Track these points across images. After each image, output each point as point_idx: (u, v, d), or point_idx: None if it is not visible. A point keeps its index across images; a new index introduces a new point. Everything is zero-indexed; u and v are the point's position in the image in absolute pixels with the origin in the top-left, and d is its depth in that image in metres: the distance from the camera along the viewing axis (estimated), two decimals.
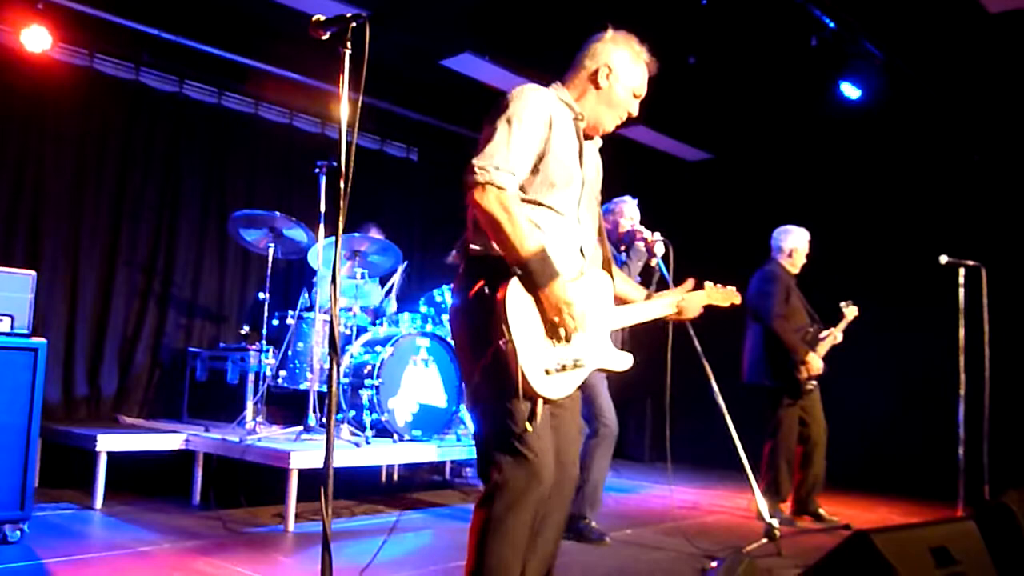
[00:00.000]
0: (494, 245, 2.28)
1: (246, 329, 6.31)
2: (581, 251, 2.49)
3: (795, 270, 5.58)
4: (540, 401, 2.25)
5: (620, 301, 2.71)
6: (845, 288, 5.86)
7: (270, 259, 5.61)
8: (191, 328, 6.68)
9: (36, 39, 5.52)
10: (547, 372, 2.25)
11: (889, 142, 7.51)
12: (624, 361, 2.60)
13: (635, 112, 2.61)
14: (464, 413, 5.85)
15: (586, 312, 2.33)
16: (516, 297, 2.22)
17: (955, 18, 5.62)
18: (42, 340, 3.97)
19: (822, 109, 6.94)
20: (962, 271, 5.70)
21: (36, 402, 3.90)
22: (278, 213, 5.51)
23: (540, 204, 2.37)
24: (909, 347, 6.95)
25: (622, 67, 2.53)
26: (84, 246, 6.09)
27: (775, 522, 4.30)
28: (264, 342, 5.50)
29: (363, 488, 5.77)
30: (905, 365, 7.19)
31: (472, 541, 2.31)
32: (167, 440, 5.18)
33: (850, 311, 5.60)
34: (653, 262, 4.59)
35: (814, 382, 5.40)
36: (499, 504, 2.24)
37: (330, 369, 1.99)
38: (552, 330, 2.26)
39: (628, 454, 8.62)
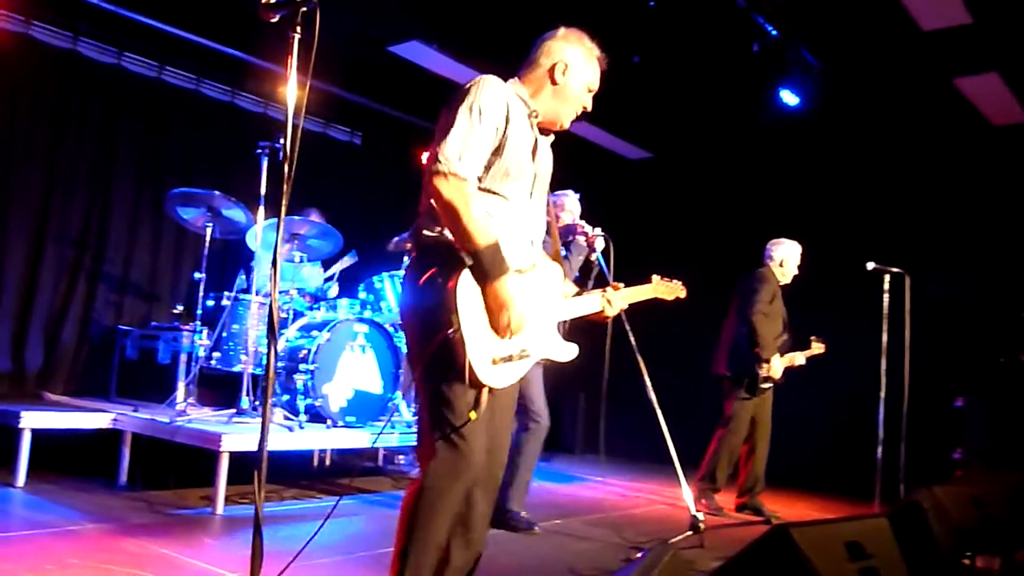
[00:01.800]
0: (447, 233, 2.32)
1: (180, 308, 6.21)
2: (531, 242, 2.55)
3: (784, 280, 5.79)
4: (485, 390, 2.30)
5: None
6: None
7: (207, 239, 5.52)
8: (122, 305, 6.55)
9: None
10: (493, 361, 2.31)
11: (822, 149, 7.73)
12: (569, 352, 2.66)
13: (589, 107, 2.66)
14: (400, 400, 5.86)
15: (529, 307, 2.39)
16: (467, 287, 2.27)
17: (889, 33, 5.81)
18: None
19: (761, 114, 7.11)
20: (887, 277, 5.92)
21: None
22: (217, 192, 5.43)
23: (494, 192, 2.42)
24: (834, 349, 7.17)
25: (576, 63, 2.59)
26: (12, 218, 5.93)
27: (700, 515, 4.41)
28: (199, 323, 5.42)
29: (294, 473, 5.74)
30: (829, 366, 7.40)
31: (401, 523, 2.36)
32: (94, 419, 5.08)
33: (817, 346, 5.90)
34: (593, 257, 4.64)
35: (769, 384, 5.59)
36: (429, 489, 2.30)
37: (268, 352, 1.99)
38: (494, 323, 2.32)
39: (561, 445, 8.72)
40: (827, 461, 7.34)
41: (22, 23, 5.93)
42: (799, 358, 5.80)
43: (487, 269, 2.27)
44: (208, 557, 3.61)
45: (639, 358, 4.54)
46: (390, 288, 5.96)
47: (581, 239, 4.69)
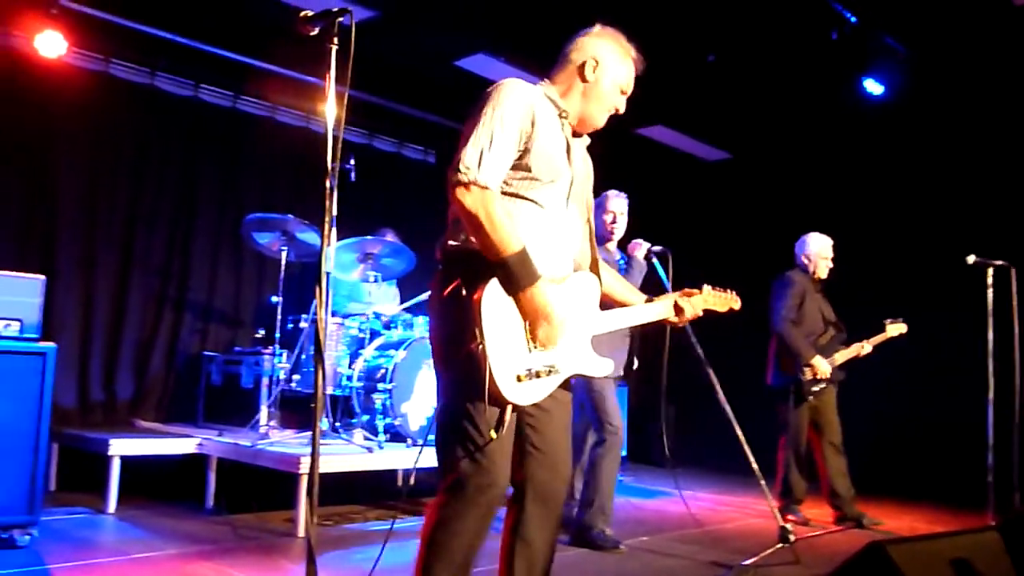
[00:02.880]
0: (473, 243, 2.24)
1: (261, 333, 6.29)
2: (567, 250, 2.43)
3: (820, 274, 5.58)
4: (509, 408, 2.20)
5: (613, 303, 2.65)
6: (868, 290, 5.75)
7: (283, 262, 5.58)
8: (206, 332, 6.68)
9: (51, 44, 5.53)
10: (519, 378, 2.20)
11: (914, 139, 7.35)
12: (604, 367, 2.50)
13: (622, 108, 2.55)
14: None
15: (566, 317, 2.28)
16: (493, 299, 2.17)
17: (979, 11, 5.47)
18: (51, 345, 3.95)
19: (844, 106, 6.81)
20: (990, 271, 5.55)
21: (45, 407, 3.88)
22: (291, 216, 5.48)
23: (523, 198, 2.31)
24: (937, 350, 6.79)
25: (609, 60, 2.48)
26: (100, 251, 6.11)
27: (789, 526, 4.20)
28: (278, 346, 5.48)
29: (378, 493, 5.72)
30: (933, 368, 7.02)
31: (421, 545, 2.29)
32: (180, 444, 5.17)
33: (894, 328, 5.54)
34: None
35: (822, 385, 5.38)
36: (450, 507, 2.22)
37: (315, 374, 1.93)
38: (529, 335, 2.22)
39: (648, 459, 8.50)
40: (934, 469, 6.93)
41: (102, 61, 6.12)
42: (865, 347, 5.51)
43: (517, 278, 2.17)
44: None
45: (709, 370, 4.38)
46: None
47: (639, 254, 4.65)
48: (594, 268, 2.56)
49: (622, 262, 4.80)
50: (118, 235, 6.24)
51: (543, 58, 6.67)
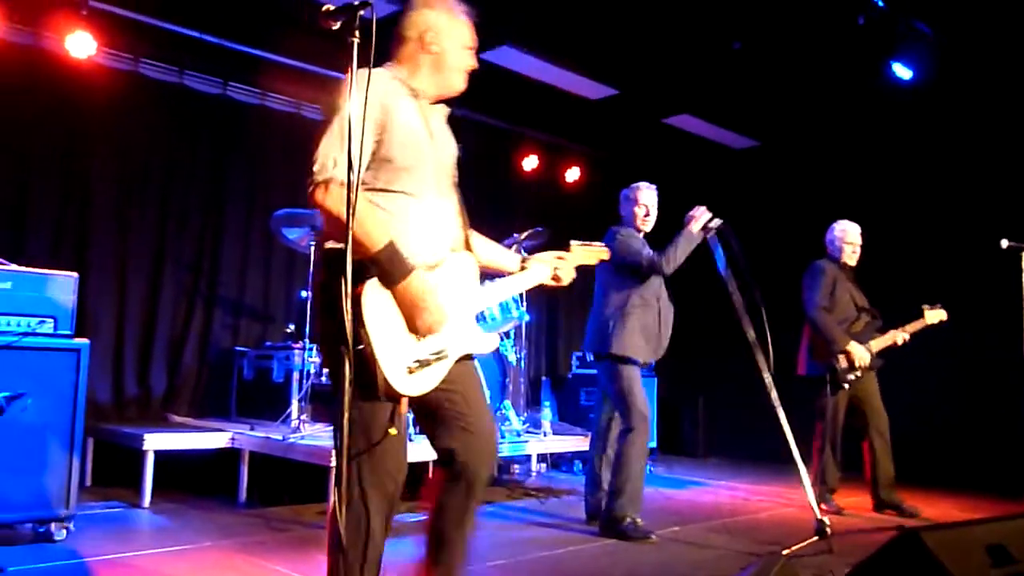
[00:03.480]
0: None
1: (291, 328, 6.35)
2: (443, 233, 2.43)
3: (850, 261, 5.55)
4: (404, 401, 2.23)
5: (496, 273, 2.72)
6: (899, 277, 5.67)
7: (312, 257, 5.62)
8: (238, 327, 6.74)
9: (81, 45, 5.60)
10: (409, 371, 2.20)
11: (943, 123, 7.23)
12: (490, 343, 2.54)
13: (475, 64, 2.55)
14: (509, 409, 5.80)
15: (445, 302, 2.28)
16: (372, 297, 2.17)
17: None
18: (84, 341, 4.02)
19: (872, 91, 6.71)
20: None
21: (80, 402, 3.95)
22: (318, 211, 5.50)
23: (391, 191, 2.30)
24: (972, 336, 6.69)
25: (444, 25, 2.47)
26: (131, 248, 6.18)
27: (826, 520, 4.15)
28: (308, 340, 5.52)
29: (407, 486, 5.71)
30: (968, 354, 6.92)
31: (329, 545, 2.34)
32: (213, 439, 5.23)
33: (933, 314, 5.49)
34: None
35: (858, 373, 5.33)
36: (352, 509, 2.24)
37: (344, 367, 1.94)
38: (412, 325, 2.22)
39: (682, 450, 8.47)
40: (971, 457, 6.84)
41: (131, 61, 6.19)
42: (900, 335, 5.46)
43: (389, 273, 2.17)
44: (319, 573, 3.62)
45: (759, 356, 4.27)
46: None
47: (695, 226, 4.50)
48: (468, 245, 2.57)
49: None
50: (150, 232, 6.31)
51: (568, 47, 6.68)
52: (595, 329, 4.69)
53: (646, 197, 4.79)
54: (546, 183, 8.73)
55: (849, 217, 5.64)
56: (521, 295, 6.04)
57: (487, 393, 2.60)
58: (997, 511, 5.47)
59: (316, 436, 5.00)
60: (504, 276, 2.76)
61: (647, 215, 4.76)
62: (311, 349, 5.52)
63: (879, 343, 5.42)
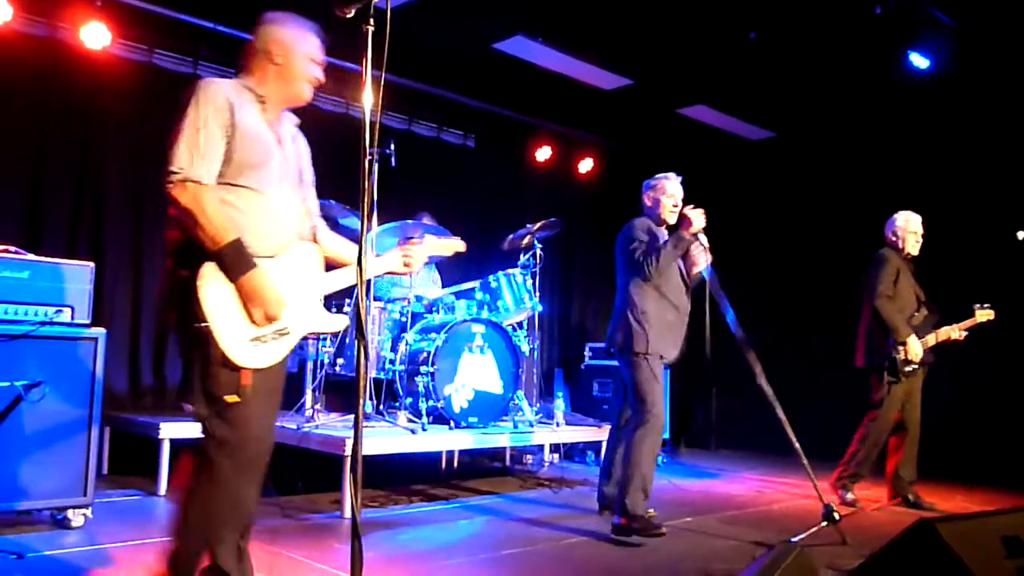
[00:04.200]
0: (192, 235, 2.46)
1: None
2: (287, 225, 2.65)
3: (912, 251, 5.51)
4: (249, 373, 2.45)
5: (341, 264, 2.88)
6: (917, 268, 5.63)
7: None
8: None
9: (96, 36, 5.64)
10: (252, 342, 2.46)
11: (962, 113, 7.16)
12: (336, 322, 2.79)
13: (321, 77, 2.78)
14: (521, 399, 5.81)
15: (283, 293, 2.53)
16: (211, 280, 2.41)
17: None
18: (101, 330, 4.05)
19: (889, 82, 6.66)
20: None
21: (96, 391, 3.98)
22: (333, 202, 5.52)
23: (238, 186, 2.52)
24: (987, 328, 6.65)
25: (290, 40, 2.70)
26: (146, 237, 6.21)
27: (832, 504, 4.15)
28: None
29: (422, 475, 5.78)
30: (981, 347, 6.87)
31: (179, 516, 2.53)
32: None
33: (983, 313, 5.45)
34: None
35: (915, 366, 5.29)
36: (208, 479, 2.47)
37: (356, 356, 1.95)
38: (249, 314, 2.46)
39: (695, 441, 8.47)
40: (987, 450, 6.80)
41: (145, 52, 6.21)
42: (955, 331, 5.41)
43: (233, 267, 2.42)
44: (335, 562, 3.65)
45: (747, 353, 4.30)
46: (506, 287, 5.91)
47: (691, 230, 4.36)
48: (314, 237, 2.82)
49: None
50: (164, 222, 6.32)
51: (579, 37, 6.65)
52: (615, 323, 4.60)
53: (674, 188, 4.62)
54: (559, 174, 8.72)
55: (867, 207, 5.61)
56: (534, 286, 6.05)
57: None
58: (1014, 505, 5.46)
59: (330, 425, 5.03)
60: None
61: (676, 206, 4.56)
62: (325, 339, 5.54)
63: (933, 338, 5.36)
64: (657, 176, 4.69)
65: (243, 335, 2.44)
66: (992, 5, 5.70)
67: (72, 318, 4.00)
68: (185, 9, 6.03)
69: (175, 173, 2.42)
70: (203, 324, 2.38)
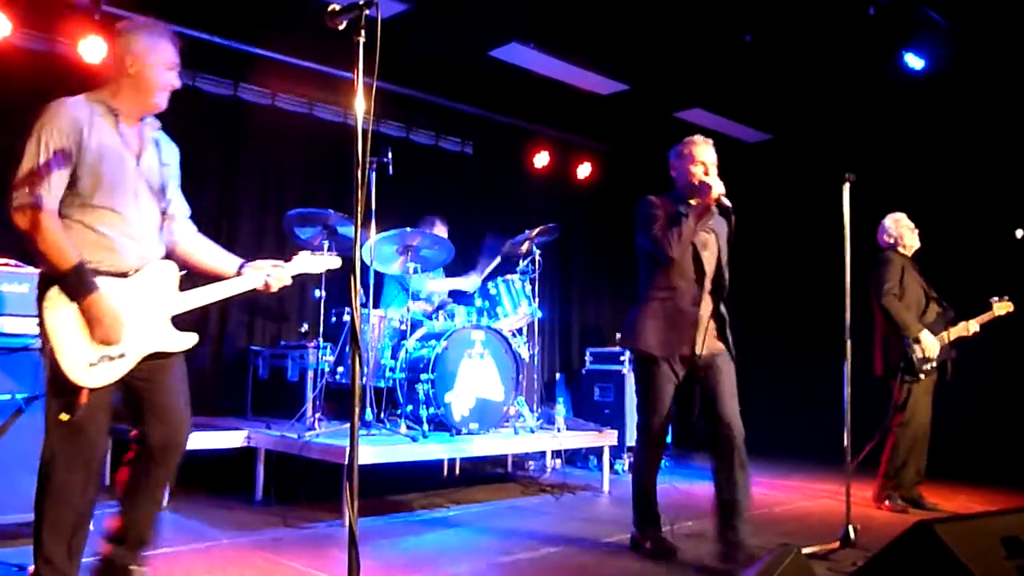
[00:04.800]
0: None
1: (305, 327, 6.39)
2: (143, 243, 2.74)
3: (913, 246, 5.53)
4: (85, 391, 2.56)
5: (213, 276, 3.03)
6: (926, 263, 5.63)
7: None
8: (253, 327, 6.78)
9: (94, 50, 5.66)
10: (90, 365, 2.58)
11: (959, 113, 7.18)
12: (185, 340, 2.89)
13: (176, 83, 2.83)
14: (522, 405, 5.81)
15: (125, 316, 2.63)
16: (55, 303, 2.54)
17: None
18: None
19: (885, 82, 6.67)
20: None
21: None
22: (331, 211, 5.53)
23: (95, 206, 2.59)
24: (989, 328, 6.65)
25: (143, 50, 2.70)
26: None
27: (856, 526, 4.09)
28: (322, 339, 5.55)
29: (423, 483, 5.78)
30: (986, 349, 6.87)
31: (37, 509, 2.69)
32: (230, 437, 5.26)
33: (1001, 307, 5.44)
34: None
35: (933, 363, 5.27)
36: (51, 479, 2.63)
37: (351, 365, 1.95)
38: (91, 335, 2.57)
39: (699, 442, 8.44)
40: (992, 450, 6.79)
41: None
42: (972, 325, 5.39)
43: (74, 290, 2.52)
44: (337, 569, 3.65)
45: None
46: (506, 294, 5.91)
47: (712, 194, 3.81)
48: (175, 252, 2.96)
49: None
50: None
51: (574, 43, 6.66)
52: (627, 318, 4.13)
53: (703, 153, 3.98)
54: (558, 179, 8.74)
55: (867, 208, 5.59)
56: (533, 292, 6.06)
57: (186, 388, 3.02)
58: (1018, 505, 5.45)
59: (331, 434, 5.03)
60: (222, 279, 3.06)
61: (707, 174, 3.93)
62: (325, 348, 5.55)
63: (953, 333, 5.34)
64: (684, 140, 4.07)
65: (83, 356, 2.57)
66: (986, 4, 5.72)
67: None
68: (181, 22, 6.04)
69: (16, 198, 2.48)
70: (47, 346, 2.54)
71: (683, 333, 3.90)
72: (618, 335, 4.51)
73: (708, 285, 3.95)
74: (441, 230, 6.31)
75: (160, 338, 2.81)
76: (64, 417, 2.55)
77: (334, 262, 3.35)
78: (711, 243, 4.00)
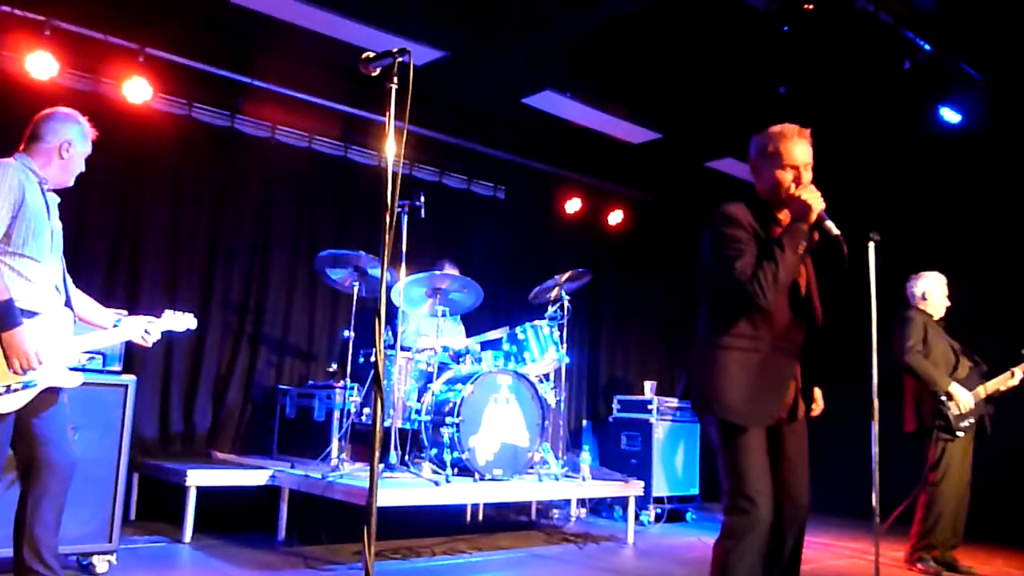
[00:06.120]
0: None
1: (334, 367, 6.42)
2: (52, 290, 3.15)
3: (937, 314, 5.41)
4: None
5: (94, 325, 3.43)
6: (956, 320, 5.53)
7: (355, 298, 5.70)
8: (282, 366, 6.82)
9: (138, 90, 5.80)
10: (3, 390, 2.93)
11: (995, 167, 7.11)
12: (74, 380, 3.21)
13: (82, 169, 3.32)
14: (547, 452, 5.77)
15: (39, 348, 2.98)
16: None
17: None
18: (132, 377, 4.11)
19: (921, 136, 6.64)
20: None
21: (126, 437, 4.03)
22: (362, 253, 5.59)
23: (24, 255, 3.03)
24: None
25: (77, 140, 3.25)
26: (181, 287, 6.31)
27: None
28: (349, 379, 5.57)
29: (446, 527, 5.72)
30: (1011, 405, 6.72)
31: None
32: (254, 476, 5.27)
33: None
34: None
35: (971, 420, 5.14)
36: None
37: (374, 405, 1.96)
38: (8, 363, 2.93)
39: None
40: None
41: (184, 106, 6.39)
42: (1016, 374, 5.22)
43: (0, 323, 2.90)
44: None
45: None
46: (534, 339, 5.91)
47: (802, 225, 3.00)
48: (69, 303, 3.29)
49: None
50: (198, 271, 6.45)
51: (607, 91, 6.72)
52: (691, 373, 3.15)
53: (797, 152, 3.03)
54: (589, 225, 8.75)
55: (900, 260, 5.53)
56: (562, 338, 6.04)
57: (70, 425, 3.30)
58: None
59: (355, 475, 5.02)
60: (102, 329, 3.45)
61: (798, 182, 3.02)
62: (352, 388, 5.57)
63: (991, 386, 5.21)
64: (770, 131, 3.12)
65: None
66: (1021, 59, 5.70)
67: (103, 365, 4.07)
68: (223, 65, 6.21)
69: None
70: None
71: (778, 395, 3.00)
72: (679, 387, 3.23)
73: (804, 329, 3.09)
74: (452, 272, 6.34)
75: (58, 375, 3.17)
76: None
77: (191, 322, 3.76)
78: (802, 273, 3.13)
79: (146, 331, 3.50)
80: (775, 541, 2.94)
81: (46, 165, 3.18)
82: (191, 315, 3.77)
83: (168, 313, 3.66)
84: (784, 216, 3.04)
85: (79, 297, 3.42)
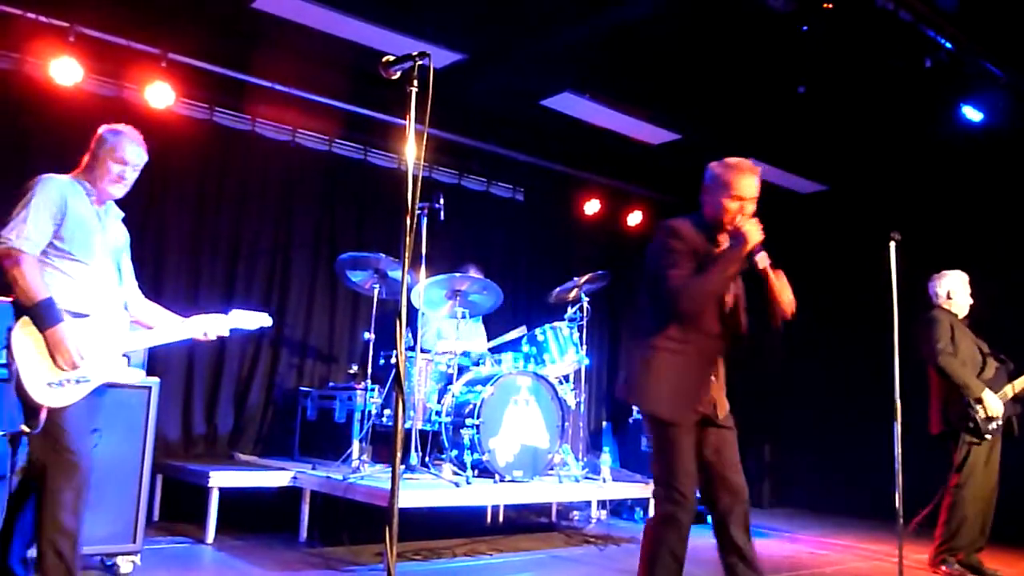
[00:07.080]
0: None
1: (354, 368, 6.45)
2: (103, 291, 3.26)
3: (961, 312, 5.34)
4: (44, 410, 2.98)
5: (146, 326, 3.52)
6: (982, 320, 5.47)
7: (375, 300, 5.72)
8: (303, 368, 6.87)
9: (160, 95, 5.85)
10: (50, 385, 3.00)
11: (1019, 166, 7.03)
12: (132, 376, 3.55)
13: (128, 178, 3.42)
14: (567, 453, 5.76)
15: (88, 345, 3.10)
16: (22, 332, 3.03)
17: None
18: (155, 379, 4.15)
19: (942, 134, 6.58)
20: None
21: (149, 439, 4.07)
22: (382, 255, 5.61)
23: (68, 255, 3.16)
24: None
25: (121, 154, 3.36)
26: (203, 289, 6.38)
27: None
28: (370, 381, 5.60)
29: (466, 528, 5.73)
30: None
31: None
32: (275, 477, 5.31)
33: None
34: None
35: (998, 423, 5.07)
36: (52, 492, 3.03)
37: (395, 406, 1.97)
38: (53, 360, 3.02)
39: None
40: None
41: (206, 110, 6.45)
42: None
43: (42, 321, 3.01)
44: None
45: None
46: (553, 340, 5.91)
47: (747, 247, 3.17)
48: (129, 305, 3.46)
49: None
50: (220, 274, 6.51)
51: (626, 93, 6.71)
52: (626, 368, 3.48)
53: (744, 186, 3.22)
54: (608, 227, 8.74)
55: (921, 260, 5.47)
56: (581, 339, 6.04)
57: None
58: None
59: (376, 477, 5.04)
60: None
61: (741, 212, 3.22)
62: (372, 390, 5.59)
63: (1018, 385, 5.13)
64: (724, 162, 3.34)
65: (43, 378, 3.00)
66: None
67: (127, 367, 4.10)
68: (244, 69, 6.25)
69: (3, 243, 3.02)
70: (12, 366, 3.00)
71: (698, 394, 3.25)
72: (617, 383, 3.49)
73: (727, 338, 3.34)
74: (477, 276, 6.35)
75: (114, 369, 3.27)
76: (26, 429, 2.97)
77: (266, 320, 3.82)
78: (731, 290, 3.35)
79: (207, 327, 3.56)
80: (725, 535, 3.25)
81: (95, 180, 3.32)
82: (265, 314, 3.82)
83: (236, 312, 3.70)
84: (723, 239, 3.29)
85: (142, 303, 3.56)
